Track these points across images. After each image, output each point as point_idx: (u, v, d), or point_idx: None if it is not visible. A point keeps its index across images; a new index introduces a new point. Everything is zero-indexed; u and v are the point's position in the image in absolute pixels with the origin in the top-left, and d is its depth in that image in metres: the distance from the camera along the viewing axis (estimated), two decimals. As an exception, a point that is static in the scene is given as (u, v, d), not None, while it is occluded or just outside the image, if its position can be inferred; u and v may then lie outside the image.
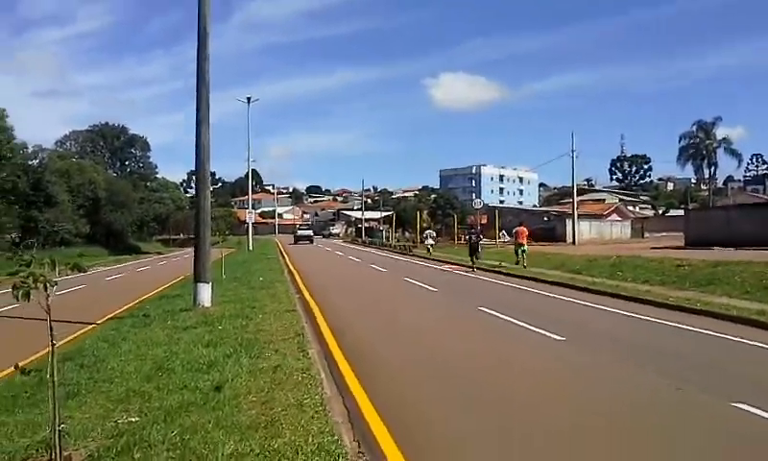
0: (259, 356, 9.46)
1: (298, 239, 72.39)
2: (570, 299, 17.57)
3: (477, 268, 28.41)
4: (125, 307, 18.55)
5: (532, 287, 20.84)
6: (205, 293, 15.47)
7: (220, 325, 12.64)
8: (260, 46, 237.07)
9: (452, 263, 33.75)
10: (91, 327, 14.93)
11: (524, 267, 27.56)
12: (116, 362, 9.57)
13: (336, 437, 5.85)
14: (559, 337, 11.47)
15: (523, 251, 29.83)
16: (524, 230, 31.36)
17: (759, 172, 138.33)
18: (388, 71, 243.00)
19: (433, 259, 38.26)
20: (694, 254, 25.89)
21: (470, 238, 31.09)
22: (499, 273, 26.67)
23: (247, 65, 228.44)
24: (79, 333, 13.97)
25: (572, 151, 58.75)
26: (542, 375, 9.01)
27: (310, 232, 77.97)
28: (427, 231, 52.55)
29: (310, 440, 5.75)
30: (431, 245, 47.07)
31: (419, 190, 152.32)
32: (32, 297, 5.00)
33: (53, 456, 5.23)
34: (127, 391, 7.77)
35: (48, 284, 5.25)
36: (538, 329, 12.28)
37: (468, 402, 7.61)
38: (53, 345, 5.42)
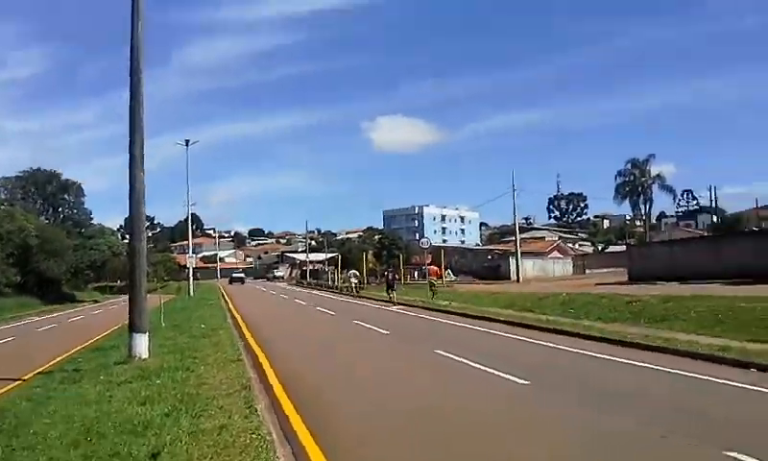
0: (202, 415, 8.56)
1: (232, 281, 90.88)
2: (526, 338, 17.15)
3: (395, 302, 33.84)
4: (55, 361, 17.33)
5: (487, 327, 20.33)
6: (142, 343, 14.37)
7: (158, 378, 11.63)
8: (199, 91, 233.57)
9: (401, 304, 33.15)
10: (16, 384, 13.70)
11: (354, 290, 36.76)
12: (40, 425, 8.53)
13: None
14: (523, 381, 10.93)
15: (433, 285, 37.01)
16: (435, 268, 44.50)
17: (690, 207, 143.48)
18: (328, 114, 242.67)
19: (379, 301, 37.57)
20: (640, 289, 26.03)
21: (387, 276, 39.72)
22: (449, 313, 26.20)
23: (186, 110, 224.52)
24: (3, 389, 12.95)
25: (513, 188, 59.50)
26: (512, 424, 8.41)
27: (242, 275, 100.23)
28: (351, 272, 54.83)
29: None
30: (355, 284, 50.26)
31: (363, 231, 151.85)
32: None
33: None
34: (49, 461, 6.80)
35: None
36: (499, 373, 11.71)
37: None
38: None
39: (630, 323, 18.02)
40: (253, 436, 7.38)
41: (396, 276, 41.59)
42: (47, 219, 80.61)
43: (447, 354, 14.32)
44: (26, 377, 14.42)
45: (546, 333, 17.73)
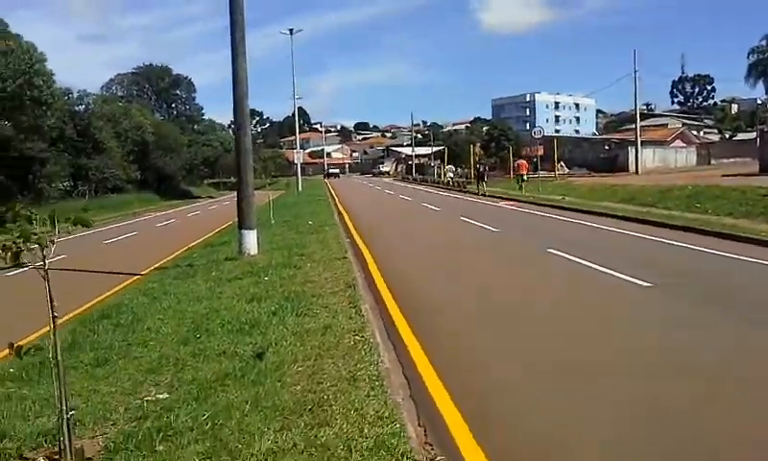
0: (307, 314, 8.42)
1: (328, 175, 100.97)
2: (647, 235, 15.96)
3: (483, 194, 36.25)
4: (172, 256, 17.90)
5: (604, 224, 19.17)
6: (251, 240, 14.53)
7: (266, 275, 11.72)
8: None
9: (509, 199, 32.17)
10: (136, 278, 14.26)
11: (523, 192, 34.25)
12: (153, 321, 8.69)
13: (398, 425, 4.73)
14: (647, 284, 10.02)
15: (524, 180, 37.26)
16: (524, 162, 40.12)
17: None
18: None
19: (489, 196, 36.67)
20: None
21: (479, 169, 42.26)
22: (563, 208, 25.06)
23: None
24: (124, 284, 13.45)
25: (634, 71, 54.97)
26: (647, 339, 7.67)
27: (337, 171, 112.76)
28: (448, 166, 55.91)
29: (366, 430, 4.63)
30: (451, 178, 52.97)
31: (470, 122, 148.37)
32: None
33: (62, 447, 4.31)
34: (160, 358, 6.84)
35: (44, 245, 4.19)
36: (619, 274, 10.84)
37: (556, 367, 6.40)
38: (54, 322, 4.37)
39: (763, 219, 16.40)
40: (357, 338, 7.12)
41: (488, 168, 45.05)
42: (161, 115, 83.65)
43: (562, 254, 13.50)
44: (144, 272, 14.94)
45: (670, 230, 16.43)
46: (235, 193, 15.58)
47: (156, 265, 15.93)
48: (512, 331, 7.91)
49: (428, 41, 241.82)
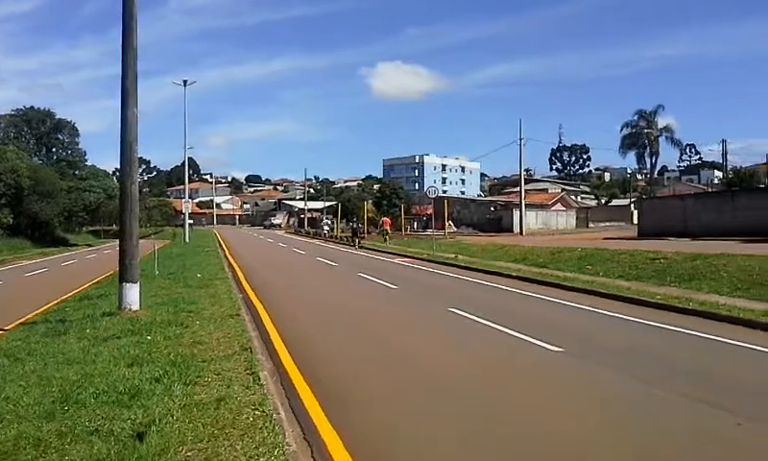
0: (197, 382, 7.42)
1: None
2: (546, 297, 15.98)
3: (360, 247, 41.64)
4: (42, 309, 16.19)
5: (502, 284, 19.15)
6: (133, 294, 13.21)
7: (149, 334, 10.52)
8: (198, 31, 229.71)
9: (406, 256, 32.03)
10: (-3, 334, 12.60)
11: (388, 244, 41.81)
12: (14, 388, 7.40)
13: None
14: (556, 348, 9.76)
15: (387, 234, 46.54)
16: (387, 220, 51.87)
17: (692, 162, 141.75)
18: (327, 59, 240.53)
19: (384, 252, 36.49)
20: (656, 244, 24.88)
21: (352, 226, 51.38)
22: (457, 266, 25.12)
23: (185, 50, 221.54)
24: None
25: (520, 139, 57.58)
26: (560, 402, 7.29)
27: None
28: (325, 218, 66.34)
29: None
30: (328, 231, 59.42)
31: (362, 180, 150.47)
32: None
33: None
34: (17, 438, 5.67)
35: None
36: (527, 338, 10.55)
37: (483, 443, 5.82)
38: None
39: (654, 282, 16.85)
40: (257, 412, 6.25)
41: (360, 225, 52.02)
42: (40, 159, 78.78)
43: (465, 314, 13.14)
44: (8, 327, 13.30)
45: (566, 292, 16.55)
46: (116, 242, 14.26)
47: (23, 319, 14.28)
48: (429, 402, 7.25)
49: (321, 101, 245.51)
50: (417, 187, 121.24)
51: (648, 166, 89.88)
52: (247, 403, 6.54)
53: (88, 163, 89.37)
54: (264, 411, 6.28)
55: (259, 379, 7.50)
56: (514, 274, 20.73)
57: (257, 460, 5.04)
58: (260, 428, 5.78)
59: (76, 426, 5.91)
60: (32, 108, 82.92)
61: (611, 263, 20.43)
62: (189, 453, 5.21)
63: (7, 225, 55.86)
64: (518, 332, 10.95)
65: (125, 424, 5.92)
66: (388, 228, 47.98)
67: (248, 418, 6.10)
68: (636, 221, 71.34)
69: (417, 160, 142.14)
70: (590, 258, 21.93)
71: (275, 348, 10.09)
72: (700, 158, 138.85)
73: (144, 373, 7.87)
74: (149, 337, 10.27)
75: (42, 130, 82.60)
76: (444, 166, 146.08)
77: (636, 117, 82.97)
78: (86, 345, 9.90)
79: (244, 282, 20.31)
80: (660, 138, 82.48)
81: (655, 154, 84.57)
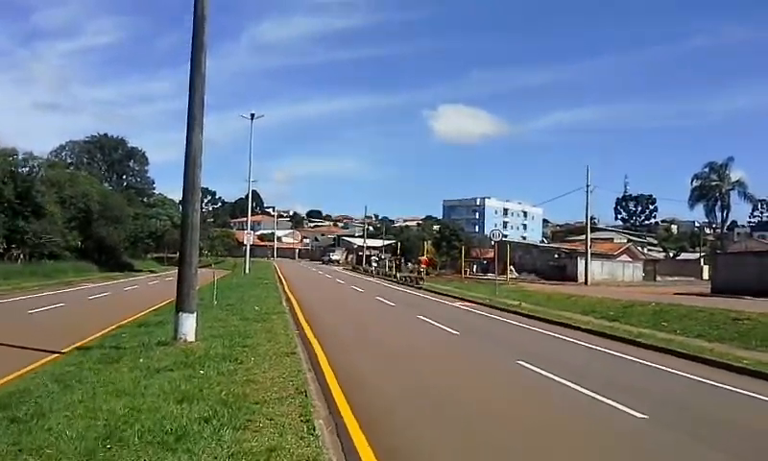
0: (248, 427, 6.86)
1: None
2: (623, 355, 14.84)
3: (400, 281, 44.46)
4: (99, 333, 16.05)
5: (569, 336, 18.11)
6: (189, 325, 12.85)
7: (202, 368, 10.09)
8: (267, 68, 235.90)
9: (466, 300, 31.09)
10: (53, 357, 12.45)
11: (422, 281, 44.18)
12: (59, 419, 7.04)
13: None
14: (640, 415, 8.79)
15: (427, 274, 49.73)
16: (425, 259, 57.08)
17: (763, 218, 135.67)
18: (390, 99, 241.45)
19: (443, 294, 35.63)
20: (733, 303, 23.36)
21: (397, 262, 60.42)
22: (521, 314, 24.08)
23: (253, 86, 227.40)
24: (39, 363, 11.67)
25: (587, 185, 56.46)
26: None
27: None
28: (374, 256, 67.69)
29: None
30: (375, 267, 64.34)
31: (422, 220, 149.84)
32: None
33: None
34: (54, 477, 5.21)
35: None
36: (609, 401, 9.58)
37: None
38: None
39: (738, 344, 15.58)
40: (311, 469, 5.62)
41: (399, 263, 58.95)
42: (110, 185, 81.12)
43: (535, 369, 12.23)
44: (64, 351, 13.13)
45: (645, 350, 15.40)
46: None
47: (80, 343, 14.09)
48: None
49: (383, 140, 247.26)
50: (477, 230, 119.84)
51: (718, 220, 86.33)
52: (299, 457, 5.91)
53: (156, 192, 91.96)
54: (319, 467, 5.64)
55: (314, 429, 6.87)
56: (583, 326, 19.62)
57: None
58: (315, 490, 5.14)
59: (117, 469, 5.42)
60: (105, 135, 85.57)
61: (688, 321, 19.11)
62: (234, 515, 4.62)
63: (75, 247, 57.25)
64: (597, 393, 10.03)
65: (168, 471, 5.39)
66: (425, 267, 50.96)
67: (300, 475, 5.47)
68: (706, 276, 68.78)
69: (478, 203, 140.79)
70: (666, 314, 20.61)
71: (331, 393, 9.46)
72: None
73: (193, 411, 7.39)
74: (201, 371, 9.85)
75: (114, 157, 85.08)
76: (505, 210, 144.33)
77: (706, 169, 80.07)
78: (138, 376, 9.53)
79: (301, 318, 19.85)
80: (731, 192, 79.31)
81: (726, 208, 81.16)
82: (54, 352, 12.88)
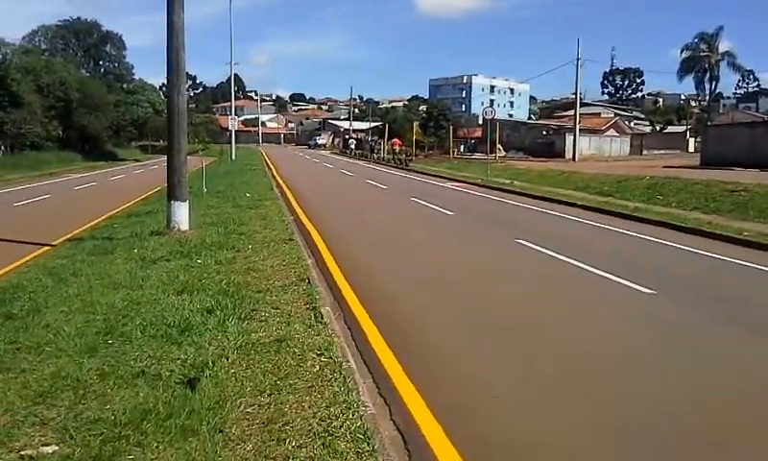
0: (253, 317, 6.68)
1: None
2: (621, 229, 14.70)
3: (407, 169, 41.79)
4: (89, 224, 15.77)
5: (565, 213, 17.97)
6: (182, 214, 12.53)
7: (199, 257, 9.88)
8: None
9: (457, 181, 30.80)
10: (43, 250, 12.18)
11: (402, 162, 45.68)
12: (55, 315, 6.82)
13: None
14: (649, 290, 8.67)
15: (397, 153, 50.99)
16: (397, 140, 56.89)
17: (749, 89, 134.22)
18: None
19: (434, 175, 35.30)
20: (725, 175, 23.28)
21: (371, 144, 61.27)
22: (514, 193, 23.90)
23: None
24: (29, 256, 11.43)
25: (577, 59, 54.86)
26: (677, 363, 6.30)
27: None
28: (351, 140, 70.96)
29: None
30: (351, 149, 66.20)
31: (408, 100, 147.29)
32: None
33: None
34: (56, 375, 5.02)
35: None
36: (614, 277, 9.45)
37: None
38: None
39: (735, 216, 15.53)
40: (323, 360, 5.45)
41: (377, 145, 59.03)
42: (88, 72, 78.37)
43: (534, 246, 12.08)
44: (55, 243, 12.87)
45: (643, 224, 15.29)
46: (162, 158, 13.56)
47: (70, 235, 13.83)
48: (517, 349, 6.40)
49: (366, 19, 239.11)
50: (464, 109, 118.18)
51: (707, 92, 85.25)
52: (311, 347, 5.74)
53: (136, 77, 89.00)
54: (331, 358, 5.48)
55: (322, 317, 6.70)
56: (578, 202, 19.48)
57: (330, 423, 4.23)
58: (329, 381, 4.97)
59: (119, 366, 5.24)
60: (78, 19, 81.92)
61: (684, 194, 19.01)
62: (249, 409, 4.45)
63: (56, 137, 55.92)
64: (600, 270, 9.91)
65: (174, 366, 5.24)
66: (398, 148, 52.81)
67: (313, 365, 5.30)
68: (692, 149, 68.59)
69: (464, 81, 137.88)
70: (661, 188, 20.49)
71: (334, 279, 9.29)
72: (758, 86, 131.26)
73: (195, 302, 7.20)
74: (199, 261, 9.63)
75: (89, 42, 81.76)
76: (492, 88, 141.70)
77: (696, 40, 78.26)
78: (134, 267, 9.31)
79: (294, 204, 19.55)
80: (720, 63, 77.96)
81: (714, 79, 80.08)
82: (44, 245, 12.62)
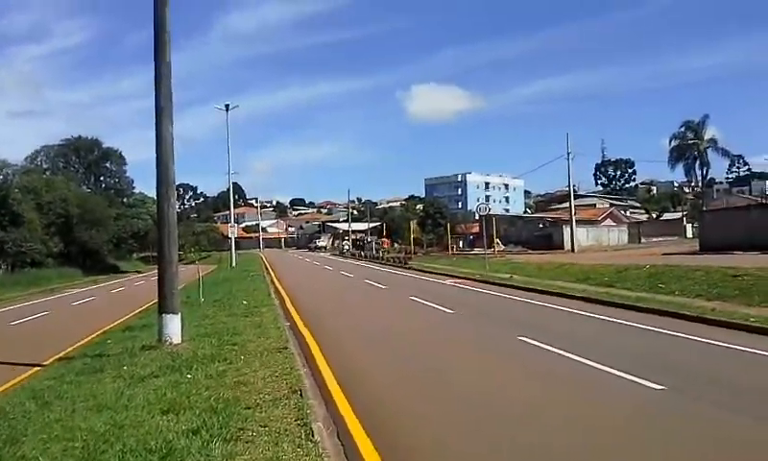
0: (239, 437, 6.28)
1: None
2: (625, 321, 14.36)
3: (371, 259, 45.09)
4: (84, 341, 15.68)
5: (567, 306, 17.65)
6: (174, 327, 12.24)
7: (189, 372, 9.53)
8: (240, 58, 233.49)
9: (457, 277, 30.61)
10: (34, 371, 11.99)
11: (401, 260, 46.24)
12: (33, 444, 6.48)
13: None
14: (657, 386, 8.31)
15: (387, 252, 55.44)
16: (386, 240, 61.72)
17: (741, 173, 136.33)
18: (365, 82, 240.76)
19: (433, 273, 35.15)
20: (726, 260, 23.13)
21: (362, 244, 61.56)
22: (514, 287, 23.67)
23: (229, 77, 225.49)
24: (20, 378, 11.24)
25: (567, 153, 56.06)
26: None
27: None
28: (345, 240, 74.64)
29: None
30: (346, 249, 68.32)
31: (405, 200, 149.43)
32: None
33: None
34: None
35: None
36: (620, 373, 9.07)
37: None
38: None
39: (739, 302, 15.22)
40: (312, 486, 5.05)
41: (363, 244, 61.49)
42: (89, 188, 79.70)
43: (538, 344, 11.72)
44: (46, 363, 12.66)
45: (647, 315, 14.96)
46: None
47: (62, 354, 13.58)
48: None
49: (360, 124, 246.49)
50: (460, 206, 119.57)
51: (699, 178, 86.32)
52: (299, 470, 5.35)
53: (136, 191, 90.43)
54: (322, 483, 5.08)
55: (312, 435, 6.29)
56: (579, 294, 19.19)
57: None
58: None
59: (95, 499, 4.85)
60: (79, 137, 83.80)
61: (685, 281, 18.70)
62: None
63: (58, 253, 56.31)
64: (606, 366, 9.54)
65: (153, 498, 4.84)
66: (387, 247, 57.89)
67: (301, 492, 4.91)
68: (690, 235, 68.87)
69: (459, 179, 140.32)
70: (661, 276, 20.21)
71: (328, 389, 8.88)
72: (749, 169, 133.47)
73: (180, 422, 6.84)
74: (189, 375, 9.29)
75: (90, 159, 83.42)
76: (487, 184, 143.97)
77: (682, 128, 79.95)
78: (121, 386, 8.97)
79: (291, 309, 19.24)
80: (708, 150, 79.32)
81: (705, 165, 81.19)
82: (34, 366, 12.38)
